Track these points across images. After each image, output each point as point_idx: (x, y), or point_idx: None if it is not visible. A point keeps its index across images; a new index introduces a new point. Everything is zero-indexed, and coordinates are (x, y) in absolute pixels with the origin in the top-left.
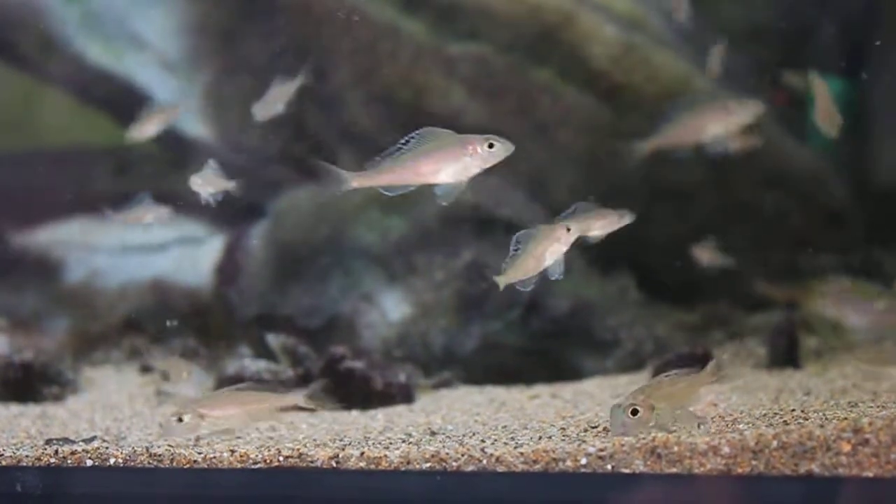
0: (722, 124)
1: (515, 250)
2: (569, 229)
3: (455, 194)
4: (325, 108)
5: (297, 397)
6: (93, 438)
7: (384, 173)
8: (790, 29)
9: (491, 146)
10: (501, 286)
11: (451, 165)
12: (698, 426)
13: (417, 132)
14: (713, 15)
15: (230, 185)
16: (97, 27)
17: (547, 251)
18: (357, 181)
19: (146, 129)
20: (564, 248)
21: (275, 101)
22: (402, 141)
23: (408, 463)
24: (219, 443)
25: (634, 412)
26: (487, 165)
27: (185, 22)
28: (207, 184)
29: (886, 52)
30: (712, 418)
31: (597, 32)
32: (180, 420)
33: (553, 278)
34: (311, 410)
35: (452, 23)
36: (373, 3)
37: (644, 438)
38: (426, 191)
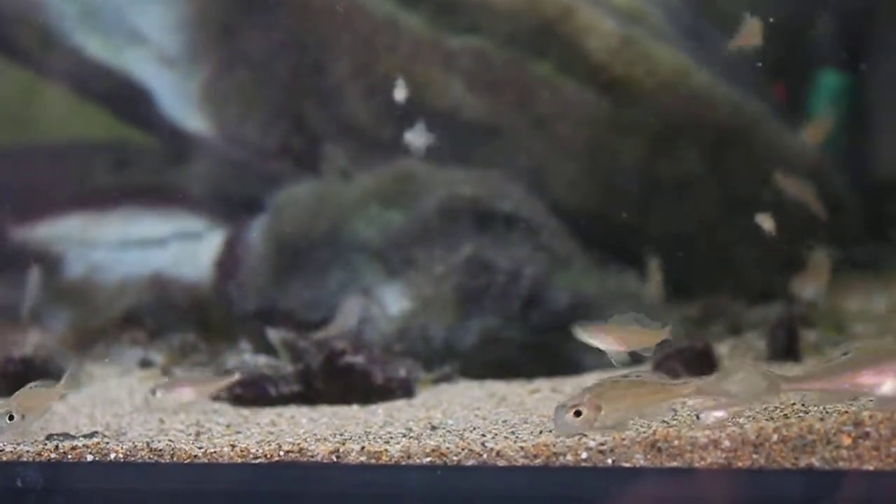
0: None
1: None
2: None
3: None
4: (324, 101)
5: (60, 386)
6: (93, 434)
7: (817, 380)
8: (790, 23)
9: None
10: None
11: None
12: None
13: (857, 346)
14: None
15: None
16: (96, 22)
17: None
18: (787, 385)
19: None
20: None
21: None
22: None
23: (408, 457)
24: (219, 437)
25: (577, 413)
26: None
27: (184, 16)
28: None
29: (885, 45)
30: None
31: (596, 26)
32: (11, 418)
33: None
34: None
35: (451, 16)
36: None
37: (645, 432)
38: (425, 186)
